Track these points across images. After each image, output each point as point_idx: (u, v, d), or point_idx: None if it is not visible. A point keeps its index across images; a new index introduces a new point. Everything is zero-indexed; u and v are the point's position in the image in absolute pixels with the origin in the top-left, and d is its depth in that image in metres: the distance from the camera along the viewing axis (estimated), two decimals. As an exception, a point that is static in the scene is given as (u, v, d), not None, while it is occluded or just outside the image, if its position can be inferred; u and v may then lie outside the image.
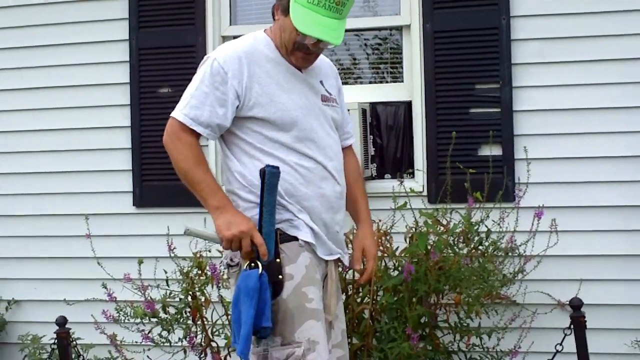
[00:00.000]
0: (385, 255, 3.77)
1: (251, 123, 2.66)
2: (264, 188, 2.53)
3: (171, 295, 3.84)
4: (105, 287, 3.88)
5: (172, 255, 3.85)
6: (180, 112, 2.62)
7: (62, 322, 4.01)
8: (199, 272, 3.84)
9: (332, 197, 2.73)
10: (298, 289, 2.60)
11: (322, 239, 2.71)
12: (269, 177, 2.53)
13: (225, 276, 2.79)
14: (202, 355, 3.87)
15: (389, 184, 4.11)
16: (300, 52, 2.69)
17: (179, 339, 3.84)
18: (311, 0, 2.60)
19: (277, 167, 2.56)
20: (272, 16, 2.75)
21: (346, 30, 4.45)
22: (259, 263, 2.54)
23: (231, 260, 2.67)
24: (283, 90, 2.68)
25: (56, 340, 4.01)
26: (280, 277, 2.58)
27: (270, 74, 2.68)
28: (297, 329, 2.58)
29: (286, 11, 2.64)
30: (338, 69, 4.55)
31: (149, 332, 3.82)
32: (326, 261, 2.75)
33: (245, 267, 2.56)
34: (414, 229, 3.79)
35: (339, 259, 2.83)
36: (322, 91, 2.81)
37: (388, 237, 3.79)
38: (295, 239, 2.65)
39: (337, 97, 2.89)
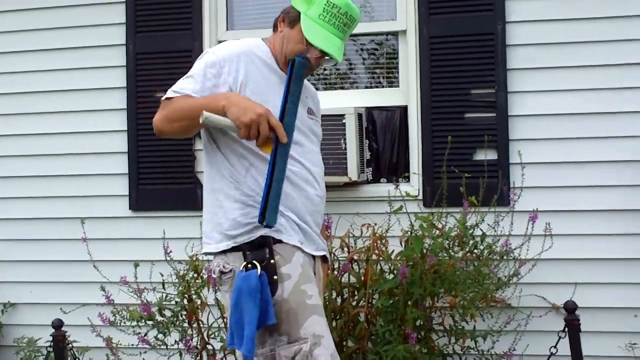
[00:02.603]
0: (381, 258, 3.79)
1: None
2: (292, 77, 2.61)
3: (167, 298, 3.85)
4: (103, 290, 3.89)
5: (168, 258, 3.87)
6: (170, 91, 2.66)
7: (58, 324, 4.02)
8: (195, 275, 3.85)
9: (315, 201, 2.77)
10: (297, 287, 2.63)
11: (310, 235, 2.74)
12: (298, 66, 2.62)
13: (218, 284, 2.76)
14: (198, 358, 3.88)
15: (384, 188, 4.14)
16: None
17: (175, 341, 3.85)
18: (322, 17, 2.69)
19: (307, 58, 2.65)
20: (274, 27, 2.81)
21: (343, 35, 4.51)
22: (256, 264, 2.57)
23: (224, 267, 2.66)
24: (276, 95, 2.71)
25: (52, 343, 4.02)
26: (275, 277, 2.60)
27: (265, 77, 2.72)
28: (301, 326, 2.60)
29: (293, 23, 2.72)
30: (334, 74, 4.63)
31: (145, 335, 3.83)
32: (314, 259, 2.78)
33: (241, 268, 2.58)
34: (409, 233, 3.81)
35: (324, 257, 2.88)
36: (308, 104, 2.88)
37: (383, 241, 3.81)
38: None
39: (318, 116, 2.98)
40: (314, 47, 2.69)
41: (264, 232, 2.63)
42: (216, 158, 2.72)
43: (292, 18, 2.73)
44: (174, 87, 2.67)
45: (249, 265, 2.58)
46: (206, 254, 2.74)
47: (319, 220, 2.82)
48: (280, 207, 2.65)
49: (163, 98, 2.67)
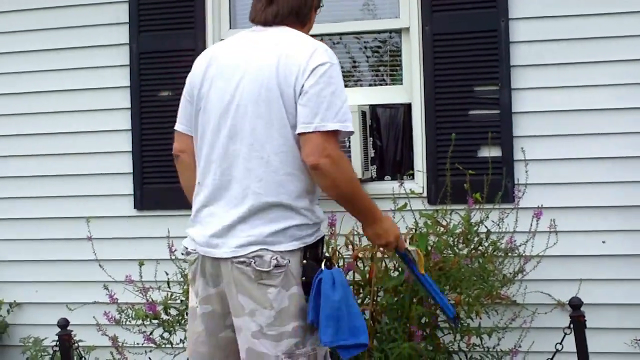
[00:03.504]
0: (386, 256, 3.79)
1: None
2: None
3: (172, 297, 3.86)
4: (107, 289, 3.89)
5: (173, 257, 3.88)
6: (349, 123, 2.50)
7: (63, 324, 4.02)
8: (200, 273, 3.85)
9: None
10: None
11: None
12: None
13: (254, 277, 2.52)
14: (203, 357, 3.88)
15: (389, 186, 4.13)
16: None
17: (181, 340, 3.85)
18: None
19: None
20: (302, 21, 2.71)
21: (346, 33, 4.54)
22: (331, 261, 2.59)
23: (279, 260, 2.51)
24: None
25: (58, 343, 4.02)
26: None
27: None
28: None
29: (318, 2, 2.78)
30: (338, 71, 4.63)
31: (150, 334, 3.84)
32: None
33: (323, 266, 2.55)
34: (414, 230, 3.80)
35: None
36: None
37: (388, 238, 3.80)
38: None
39: None
40: None
41: (323, 232, 2.65)
42: (300, 170, 2.55)
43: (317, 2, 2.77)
44: (350, 119, 2.53)
45: (327, 263, 2.57)
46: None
47: None
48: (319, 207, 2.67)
49: (343, 129, 2.49)
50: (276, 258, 2.50)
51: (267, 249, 2.51)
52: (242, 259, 2.52)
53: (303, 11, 2.70)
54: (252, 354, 2.53)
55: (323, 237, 2.65)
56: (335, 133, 2.48)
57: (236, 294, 2.54)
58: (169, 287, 3.87)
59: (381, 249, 3.63)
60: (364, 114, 4.24)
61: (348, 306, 2.51)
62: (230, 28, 4.57)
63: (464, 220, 3.78)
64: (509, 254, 3.81)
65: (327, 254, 2.67)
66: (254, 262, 2.50)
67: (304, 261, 2.54)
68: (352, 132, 2.54)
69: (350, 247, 3.85)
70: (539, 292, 4.00)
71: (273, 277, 2.50)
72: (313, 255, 2.57)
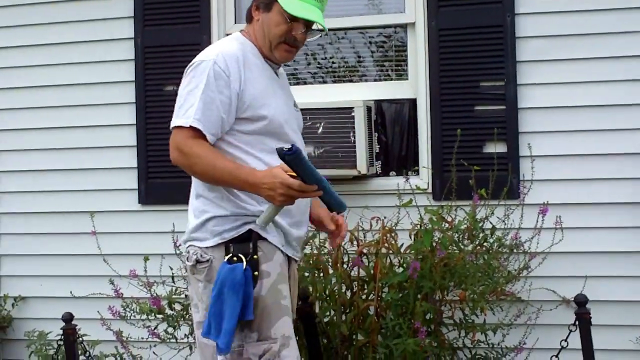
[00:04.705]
0: (391, 252, 3.79)
1: (241, 125, 2.64)
2: (298, 169, 2.46)
3: (177, 291, 3.86)
4: (112, 284, 3.90)
5: (178, 252, 3.88)
6: (192, 119, 2.55)
7: (68, 318, 4.02)
8: (205, 268, 3.85)
9: (302, 204, 2.71)
10: (275, 286, 2.62)
11: (289, 239, 2.72)
12: (292, 158, 2.43)
13: (189, 272, 2.70)
14: (207, 352, 3.88)
15: (394, 181, 4.13)
16: (285, 45, 2.71)
17: (185, 335, 3.86)
18: None
19: (295, 151, 2.43)
20: (248, 19, 2.80)
21: (351, 28, 4.53)
22: (241, 257, 2.57)
23: (201, 256, 2.63)
24: (270, 95, 2.69)
25: (62, 337, 4.02)
26: (256, 273, 2.59)
27: (258, 79, 2.68)
28: (273, 325, 2.60)
29: (269, 7, 2.70)
30: (343, 67, 4.62)
31: (155, 328, 3.85)
32: (289, 261, 2.76)
33: (225, 260, 2.57)
34: (419, 226, 3.80)
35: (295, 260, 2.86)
36: (292, 97, 2.88)
37: (393, 234, 3.80)
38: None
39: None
40: (297, 21, 2.67)
41: (251, 227, 2.62)
42: None
43: (266, 3, 2.71)
44: (196, 115, 2.54)
45: (234, 259, 2.57)
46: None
47: (303, 222, 2.79)
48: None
49: (185, 125, 2.55)
50: (197, 253, 2.64)
51: (193, 245, 2.68)
52: (184, 254, 2.74)
53: (248, 12, 2.81)
54: (198, 343, 2.71)
55: (251, 232, 2.61)
56: (188, 129, 2.56)
57: (188, 286, 2.79)
58: (173, 281, 3.87)
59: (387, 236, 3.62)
60: (369, 109, 4.23)
61: (221, 305, 2.52)
62: (235, 23, 4.56)
63: (469, 216, 3.77)
64: (514, 251, 3.80)
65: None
66: (187, 258, 2.70)
67: (226, 257, 2.59)
68: (200, 130, 2.55)
69: (355, 242, 3.84)
70: (544, 289, 3.98)
71: (200, 272, 2.64)
72: (240, 250, 2.60)
